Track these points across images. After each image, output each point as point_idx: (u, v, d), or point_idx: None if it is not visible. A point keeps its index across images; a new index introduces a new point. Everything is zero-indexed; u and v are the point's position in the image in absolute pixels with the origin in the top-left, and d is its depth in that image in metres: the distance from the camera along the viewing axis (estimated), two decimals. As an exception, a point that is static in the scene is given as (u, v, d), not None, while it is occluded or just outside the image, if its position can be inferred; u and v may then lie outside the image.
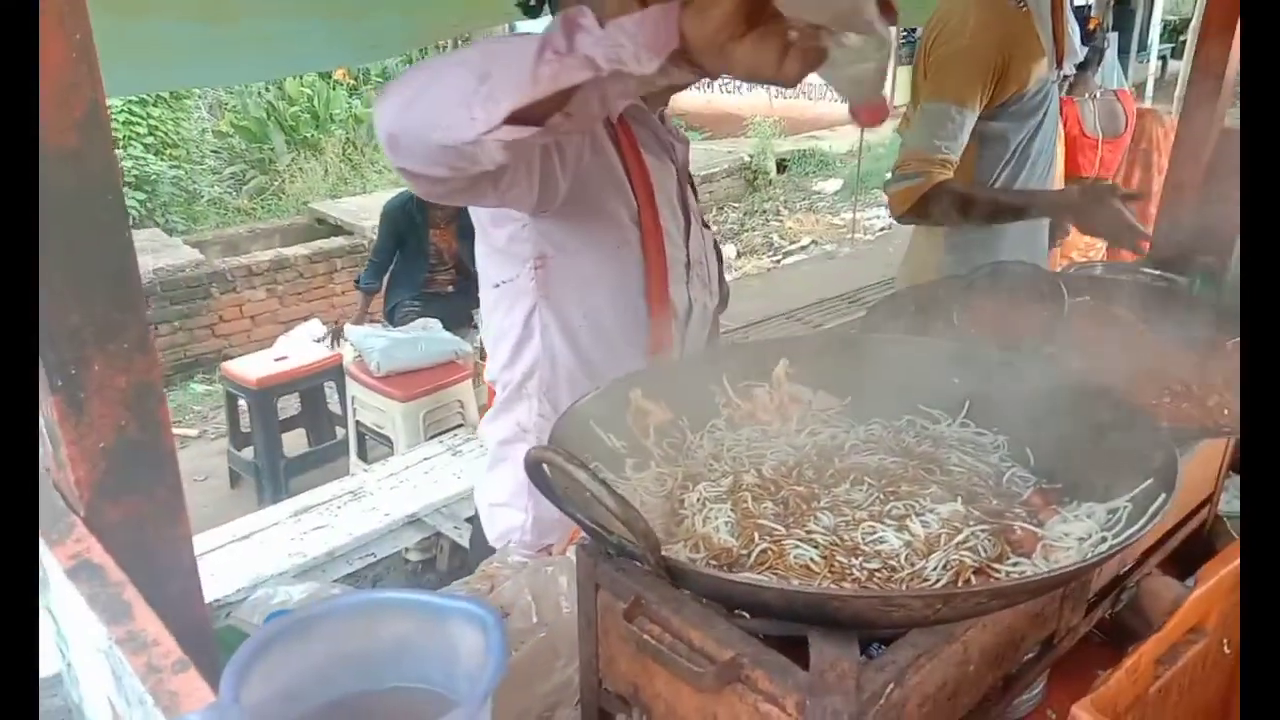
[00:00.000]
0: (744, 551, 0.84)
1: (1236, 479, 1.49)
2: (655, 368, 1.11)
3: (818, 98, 12.38)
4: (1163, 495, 0.79)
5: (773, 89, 11.66)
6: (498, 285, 1.49)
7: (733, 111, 12.33)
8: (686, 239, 1.58)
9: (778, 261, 8.82)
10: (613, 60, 0.91)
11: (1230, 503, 1.45)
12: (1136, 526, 0.78)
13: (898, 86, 13.57)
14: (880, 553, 0.83)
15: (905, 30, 12.48)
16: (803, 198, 10.80)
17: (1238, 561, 0.91)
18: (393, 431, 3.99)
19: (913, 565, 0.82)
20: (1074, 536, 0.84)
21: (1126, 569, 1.16)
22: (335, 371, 4.46)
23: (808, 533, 0.85)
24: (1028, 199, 2.33)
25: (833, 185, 10.96)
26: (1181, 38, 12.62)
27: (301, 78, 9.54)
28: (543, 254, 1.42)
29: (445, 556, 3.76)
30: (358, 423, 4.22)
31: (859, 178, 9.92)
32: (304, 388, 4.57)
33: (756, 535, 0.85)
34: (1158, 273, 2.31)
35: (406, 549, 3.46)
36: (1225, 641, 0.95)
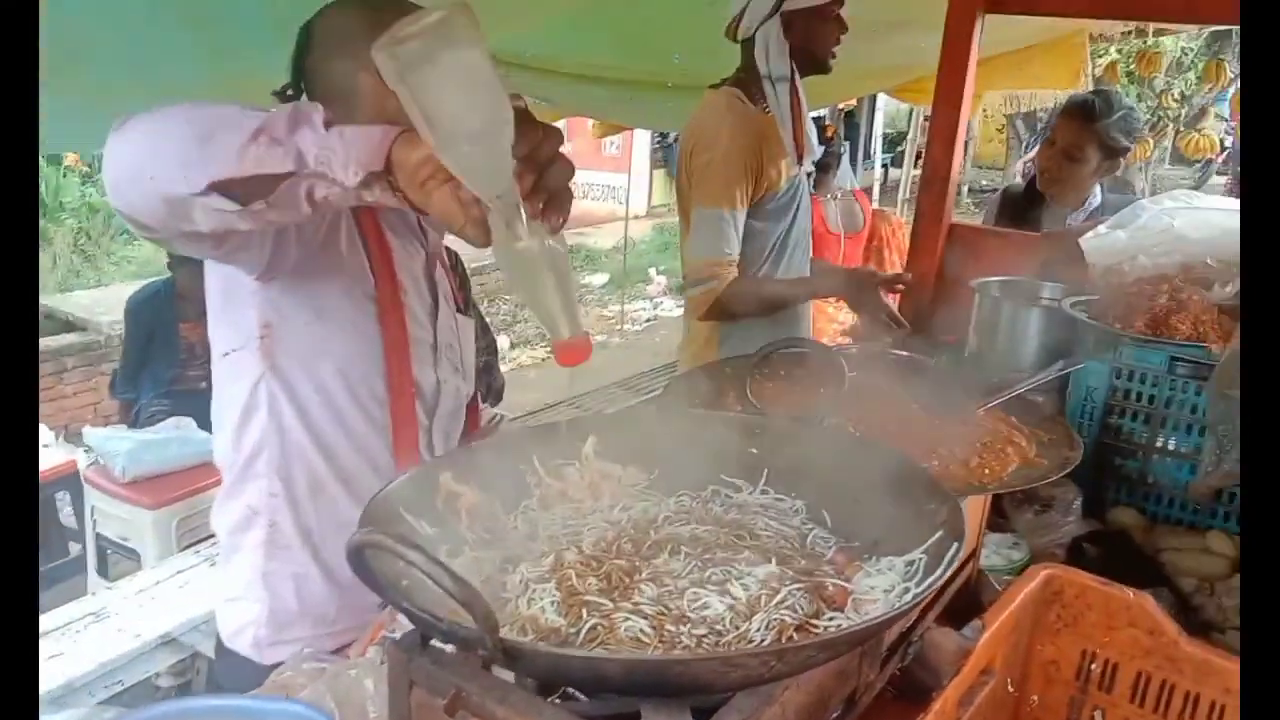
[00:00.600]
0: (573, 629, 0.83)
1: (992, 536, 1.64)
2: (463, 451, 1.09)
3: (580, 196, 12.80)
4: (955, 544, 0.86)
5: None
6: (225, 354, 1.44)
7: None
8: (434, 320, 1.58)
9: (551, 352, 8.90)
10: (321, 162, 0.94)
11: (988, 559, 1.59)
12: (936, 574, 0.84)
13: (654, 189, 14.35)
14: (706, 618, 0.84)
15: (660, 135, 13.26)
16: (570, 290, 11.01)
17: (1013, 607, 1.00)
18: (140, 543, 3.62)
19: (737, 628, 0.83)
20: (880, 589, 0.89)
21: (910, 624, 1.24)
22: (69, 481, 4.01)
23: (635, 605, 0.85)
24: (808, 285, 2.61)
25: (600, 279, 11.28)
26: (900, 148, 14.17)
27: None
28: (269, 322, 1.40)
29: (203, 679, 3.42)
30: (98, 535, 3.79)
31: (625, 272, 10.30)
32: (30, 500, 4.07)
33: (584, 612, 0.84)
34: (905, 353, 2.54)
35: (158, 674, 3.12)
36: (1009, 681, 1.03)
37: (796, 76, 2.43)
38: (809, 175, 2.78)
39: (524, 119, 0.87)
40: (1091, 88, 4.96)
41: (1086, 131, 2.78)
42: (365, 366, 1.47)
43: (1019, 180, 3.18)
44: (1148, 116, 11.79)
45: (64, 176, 9.38)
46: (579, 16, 3.24)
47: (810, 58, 2.45)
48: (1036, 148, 3.02)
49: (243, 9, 1.80)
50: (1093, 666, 1.04)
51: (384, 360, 1.48)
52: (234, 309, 1.42)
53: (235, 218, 1.01)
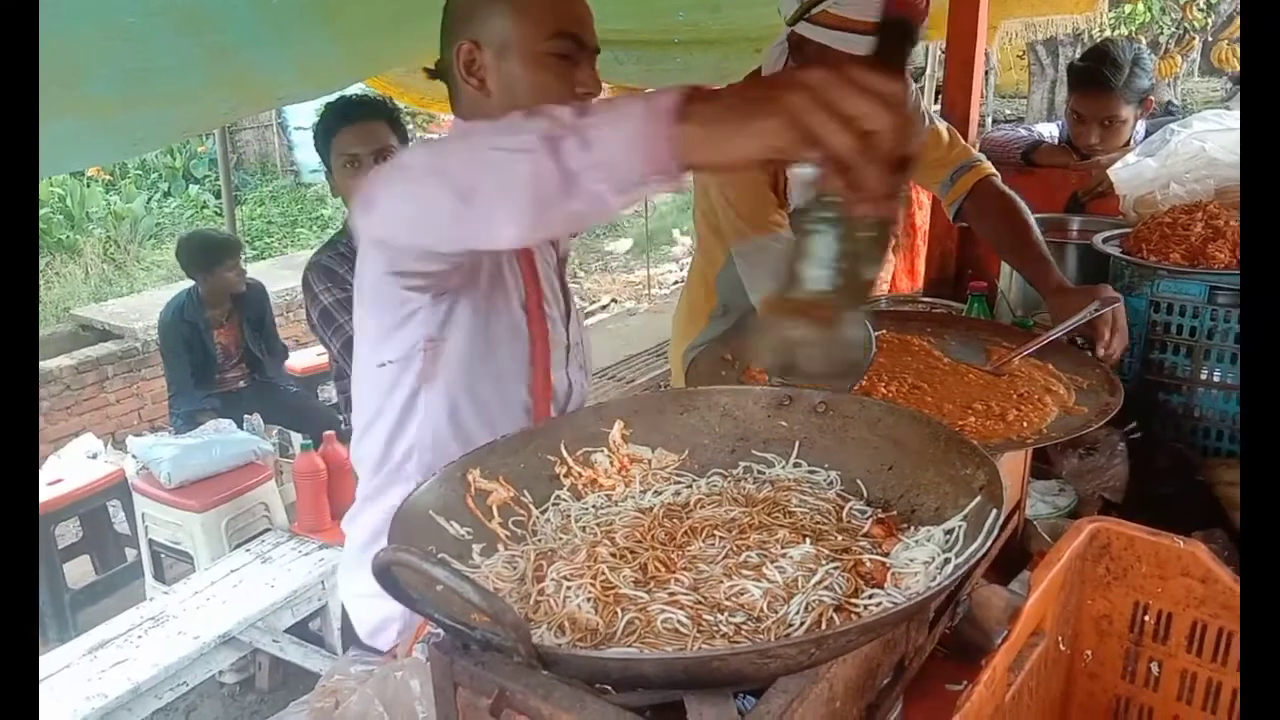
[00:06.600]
0: (610, 628, 0.82)
1: (1037, 484, 1.61)
2: (488, 446, 1.08)
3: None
4: (994, 511, 0.84)
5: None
6: (382, 365, 1.42)
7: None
8: (567, 321, 1.58)
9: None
10: (622, 191, 0.86)
11: (1034, 507, 1.56)
12: (976, 544, 0.82)
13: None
14: (744, 604, 0.83)
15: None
16: (597, 259, 11.00)
17: (1060, 565, 0.98)
18: (192, 546, 3.68)
19: (776, 612, 0.82)
20: (919, 561, 0.87)
21: (958, 583, 1.23)
22: (120, 488, 4.08)
23: (671, 595, 0.84)
24: None
25: (623, 245, 11.23)
26: (918, 83, 13.88)
27: (50, 177, 8.85)
28: (434, 336, 1.38)
29: (265, 673, 3.50)
30: (151, 541, 3.86)
31: (648, 236, 10.24)
32: (84, 510, 4.15)
33: (619, 609, 0.83)
34: (935, 300, 2.50)
35: (221, 672, 3.19)
36: (1060, 639, 1.01)
37: None
38: None
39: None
40: (1109, 8, 4.81)
41: (1110, 99, 2.69)
42: (516, 373, 1.47)
43: (1038, 133, 3.08)
44: (1172, 29, 11.44)
45: (88, 187, 9.47)
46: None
47: None
48: (1065, 105, 2.92)
49: (238, 12, 1.79)
50: (1146, 618, 1.01)
51: (530, 365, 1.48)
52: (398, 322, 1.37)
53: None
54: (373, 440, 1.49)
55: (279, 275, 7.13)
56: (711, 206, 2.10)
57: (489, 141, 0.91)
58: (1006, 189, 2.14)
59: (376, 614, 1.57)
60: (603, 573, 0.88)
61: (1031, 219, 2.03)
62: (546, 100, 1.31)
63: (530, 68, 1.35)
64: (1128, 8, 10.74)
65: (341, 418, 2.77)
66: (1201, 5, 11.25)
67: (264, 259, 9.19)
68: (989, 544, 0.80)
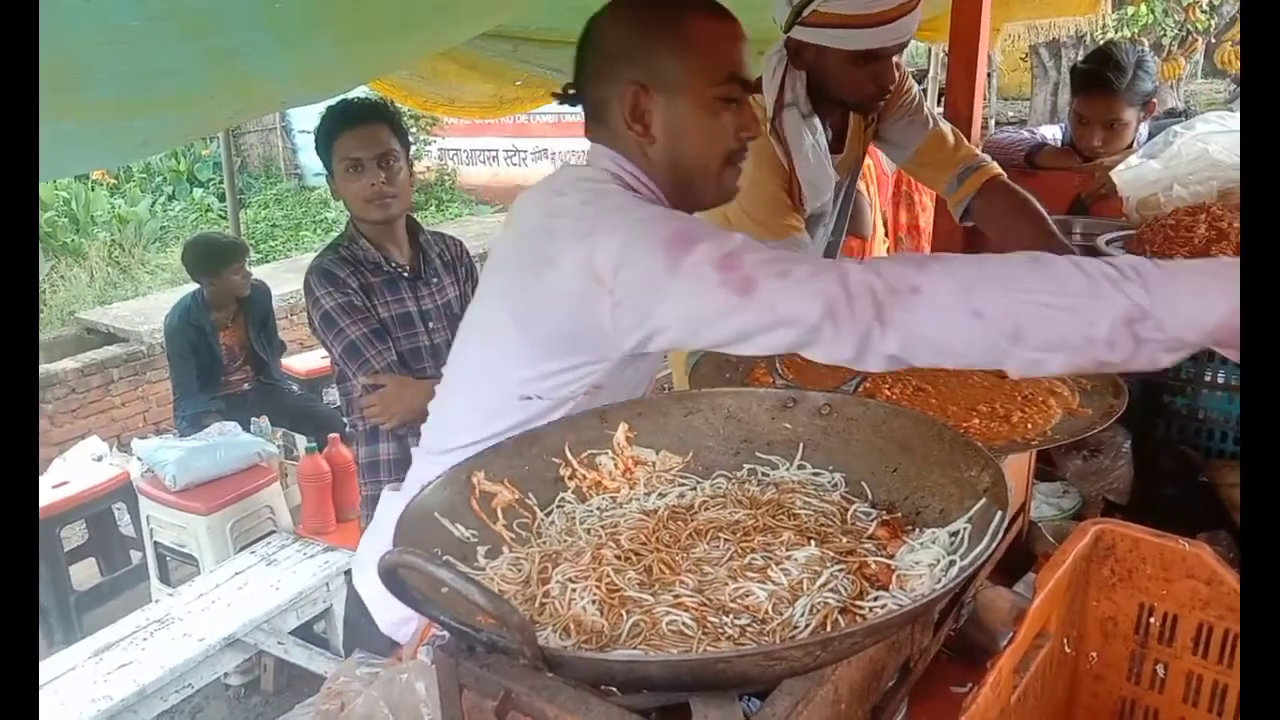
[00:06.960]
0: (615, 630, 0.82)
1: (1041, 486, 1.61)
2: (493, 448, 1.08)
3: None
4: (999, 513, 0.84)
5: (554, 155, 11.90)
6: (527, 398, 1.34)
7: (521, 184, 12.41)
8: None
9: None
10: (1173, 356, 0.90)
11: (1039, 509, 1.56)
12: (981, 546, 0.82)
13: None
14: (748, 607, 0.83)
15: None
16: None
17: (1065, 567, 0.98)
18: (197, 549, 3.69)
19: (781, 614, 0.82)
20: (924, 563, 0.87)
21: (963, 585, 1.23)
22: (125, 491, 4.09)
23: (676, 598, 0.84)
24: None
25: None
26: (921, 85, 13.90)
27: (55, 180, 8.87)
28: (599, 385, 1.33)
29: (270, 676, 3.50)
30: (156, 544, 3.87)
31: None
32: (90, 513, 4.16)
33: (624, 611, 0.83)
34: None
35: (226, 674, 3.19)
36: (1065, 641, 1.01)
37: (793, 111, 2.06)
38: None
39: None
40: (1111, 10, 4.81)
41: (1113, 101, 2.68)
42: (636, 395, 1.44)
43: (1041, 135, 3.07)
44: (1175, 31, 11.43)
45: (92, 191, 9.49)
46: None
47: (827, 96, 2.06)
48: (1068, 109, 2.91)
49: (240, 16, 1.79)
50: (1151, 620, 1.02)
51: (643, 389, 1.47)
52: (570, 368, 1.31)
53: None
54: (458, 459, 1.42)
55: (283, 278, 7.14)
56: (721, 212, 2.09)
57: (1035, 295, 0.93)
58: (1018, 187, 2.14)
59: (397, 608, 1.55)
60: (608, 575, 0.88)
61: (1046, 214, 2.04)
62: (713, 145, 1.31)
63: (700, 113, 1.30)
64: (1130, 10, 10.74)
65: (345, 420, 2.77)
66: (1204, 7, 11.23)
67: (268, 262, 9.20)
68: (994, 546, 0.80)
